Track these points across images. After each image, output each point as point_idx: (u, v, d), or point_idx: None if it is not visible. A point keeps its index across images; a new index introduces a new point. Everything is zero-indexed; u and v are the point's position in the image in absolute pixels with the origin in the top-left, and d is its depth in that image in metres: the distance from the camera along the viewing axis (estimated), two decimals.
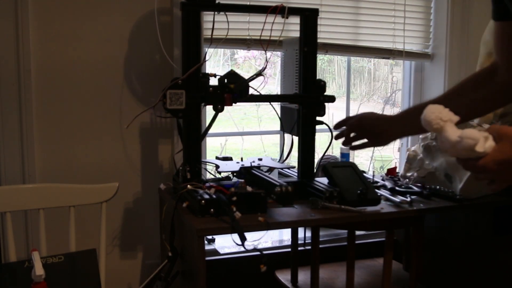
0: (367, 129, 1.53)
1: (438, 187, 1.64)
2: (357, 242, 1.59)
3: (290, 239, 1.89)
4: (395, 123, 1.49)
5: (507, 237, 1.69)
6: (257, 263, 1.25)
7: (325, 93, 1.68)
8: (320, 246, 1.62)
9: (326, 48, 2.14)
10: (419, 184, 1.70)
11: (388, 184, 1.70)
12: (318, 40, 1.71)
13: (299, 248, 1.87)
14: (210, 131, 1.75)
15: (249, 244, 1.28)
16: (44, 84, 1.77)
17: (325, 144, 1.80)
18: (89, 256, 1.52)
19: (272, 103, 1.76)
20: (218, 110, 1.58)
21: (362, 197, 1.46)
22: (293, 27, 1.88)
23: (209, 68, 2.81)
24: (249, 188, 1.42)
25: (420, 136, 1.82)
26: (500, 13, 1.24)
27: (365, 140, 1.57)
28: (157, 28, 1.78)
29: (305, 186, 1.60)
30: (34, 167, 1.76)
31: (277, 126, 1.90)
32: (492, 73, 1.33)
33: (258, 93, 1.66)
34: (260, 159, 1.77)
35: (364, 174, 1.70)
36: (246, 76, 1.60)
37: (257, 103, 3.93)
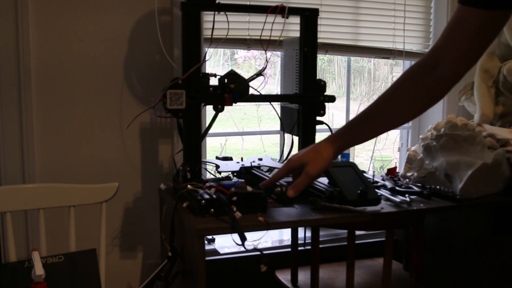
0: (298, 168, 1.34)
1: (438, 187, 1.64)
2: (357, 242, 1.59)
3: (290, 239, 1.89)
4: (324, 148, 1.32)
5: (507, 237, 1.69)
6: (257, 263, 1.25)
7: (325, 93, 1.69)
8: (320, 246, 1.62)
9: (326, 48, 2.14)
10: (419, 184, 1.70)
11: (388, 184, 1.70)
12: (318, 40, 1.71)
13: (299, 248, 1.87)
14: (210, 131, 1.75)
15: (249, 244, 1.28)
16: (44, 84, 1.77)
17: None
18: (89, 256, 1.52)
19: (272, 103, 1.76)
20: (218, 110, 1.58)
21: (362, 197, 1.46)
22: (293, 27, 1.88)
23: (209, 68, 2.82)
24: (249, 188, 1.42)
25: (420, 136, 1.82)
26: None
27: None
28: (157, 28, 1.78)
29: None
30: (34, 167, 1.76)
31: (277, 126, 1.90)
32: (433, 65, 1.16)
33: (258, 93, 1.66)
34: (260, 159, 1.77)
35: (364, 174, 1.70)
36: (246, 76, 1.60)
37: (257, 103, 3.93)
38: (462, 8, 1.09)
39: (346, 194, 1.46)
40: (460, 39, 1.11)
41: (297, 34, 1.68)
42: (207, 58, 1.70)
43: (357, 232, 1.68)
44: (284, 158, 1.84)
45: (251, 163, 1.71)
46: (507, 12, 1.06)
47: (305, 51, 1.65)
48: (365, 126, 1.29)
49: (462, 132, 1.68)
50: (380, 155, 3.22)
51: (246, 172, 1.65)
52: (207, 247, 1.84)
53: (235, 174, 1.69)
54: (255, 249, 1.34)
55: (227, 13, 1.62)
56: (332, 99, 1.69)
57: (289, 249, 1.90)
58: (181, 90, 1.52)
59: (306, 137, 1.68)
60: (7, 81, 1.70)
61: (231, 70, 1.58)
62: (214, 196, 1.38)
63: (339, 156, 2.00)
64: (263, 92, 1.68)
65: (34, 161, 1.76)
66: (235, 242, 1.28)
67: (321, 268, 1.70)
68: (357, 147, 2.04)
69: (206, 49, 1.77)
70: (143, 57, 1.87)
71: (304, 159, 1.31)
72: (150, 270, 1.85)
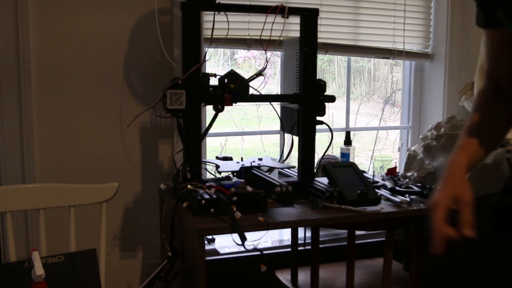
0: None
1: None
2: (357, 242, 1.59)
3: (290, 239, 1.89)
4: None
5: (507, 237, 1.69)
6: (257, 263, 1.25)
7: (325, 93, 1.69)
8: (320, 246, 1.62)
9: (326, 48, 2.14)
10: (419, 184, 1.70)
11: (388, 184, 1.70)
12: (318, 40, 1.71)
13: (299, 248, 1.87)
14: (210, 131, 1.75)
15: (249, 244, 1.28)
16: (44, 84, 1.77)
17: (325, 144, 1.80)
18: (89, 256, 1.52)
19: (272, 103, 1.76)
20: (218, 110, 1.58)
21: (362, 197, 1.46)
22: (293, 27, 1.88)
23: (209, 68, 2.81)
24: (249, 188, 1.42)
25: (420, 136, 1.82)
26: (486, 21, 1.12)
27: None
28: (157, 28, 1.78)
29: (305, 186, 1.60)
30: (34, 167, 1.76)
31: (277, 126, 1.90)
32: (498, 90, 1.15)
33: (258, 93, 1.66)
34: (260, 159, 1.77)
35: (364, 174, 1.70)
36: (246, 76, 1.60)
37: (257, 103, 3.93)
38: (485, 31, 1.14)
39: (346, 194, 1.46)
40: (502, 58, 1.12)
41: (297, 34, 1.67)
42: (207, 58, 1.70)
43: (357, 232, 1.69)
44: (285, 158, 1.84)
45: (251, 163, 1.71)
46: None
47: (305, 51, 1.65)
48: (478, 151, 1.18)
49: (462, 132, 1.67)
50: (380, 155, 3.22)
51: (246, 172, 1.65)
52: (207, 247, 1.84)
53: (235, 174, 1.69)
54: (255, 249, 1.34)
55: (227, 13, 1.62)
56: (332, 99, 1.69)
57: (289, 249, 1.90)
58: (181, 90, 1.52)
59: (306, 137, 1.68)
60: (7, 81, 1.70)
61: (231, 70, 1.58)
62: (214, 196, 1.38)
63: (339, 156, 2.01)
64: (263, 92, 1.68)
65: (34, 161, 1.76)
66: (235, 242, 1.28)
67: (321, 268, 1.70)
68: (357, 147, 2.04)
69: (206, 49, 1.77)
70: (143, 57, 1.87)
71: (452, 193, 1.16)
72: (150, 270, 1.85)
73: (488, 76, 1.18)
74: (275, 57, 2.62)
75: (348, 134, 1.96)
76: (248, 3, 1.97)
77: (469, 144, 1.19)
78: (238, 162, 1.73)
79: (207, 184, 1.49)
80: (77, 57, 1.79)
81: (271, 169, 1.73)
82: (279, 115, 1.82)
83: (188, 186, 1.47)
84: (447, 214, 1.14)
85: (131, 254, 1.95)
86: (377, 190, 1.57)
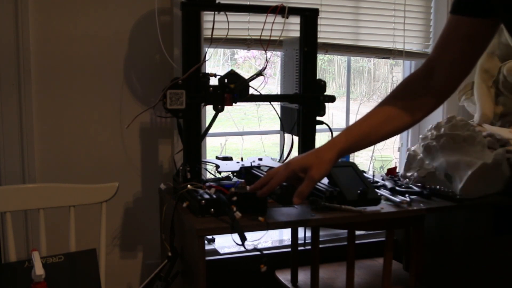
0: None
1: (438, 187, 1.64)
2: (357, 242, 1.59)
3: (290, 239, 1.89)
4: (327, 150, 1.27)
5: (508, 237, 1.69)
6: (257, 263, 1.25)
7: (325, 93, 1.69)
8: (320, 246, 1.62)
9: (326, 48, 2.14)
10: (419, 184, 1.70)
11: (388, 184, 1.70)
12: (318, 40, 1.71)
13: (299, 248, 1.87)
14: (210, 131, 1.75)
15: (249, 244, 1.28)
16: (44, 84, 1.77)
17: None
18: (89, 256, 1.52)
19: (272, 103, 1.76)
20: (218, 110, 1.58)
21: (362, 197, 1.46)
22: (293, 27, 1.88)
23: (209, 68, 2.81)
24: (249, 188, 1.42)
25: (420, 136, 1.82)
26: (467, 7, 1.10)
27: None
28: (157, 28, 1.78)
29: None
30: (34, 167, 1.76)
31: (277, 126, 1.90)
32: (428, 76, 1.21)
33: (258, 93, 1.66)
34: (260, 159, 1.77)
35: (364, 174, 1.70)
36: (246, 76, 1.60)
37: (257, 103, 3.93)
38: (453, 18, 1.13)
39: (346, 194, 1.46)
40: (452, 48, 1.15)
41: (297, 34, 1.68)
42: (207, 58, 1.70)
43: (357, 232, 1.68)
44: (284, 158, 1.84)
45: (251, 163, 1.71)
46: (496, 20, 1.08)
47: (305, 51, 1.65)
48: (362, 132, 1.26)
49: (462, 132, 1.68)
50: (380, 155, 3.22)
51: (246, 172, 1.65)
52: (207, 247, 1.83)
53: (235, 174, 1.69)
54: (255, 249, 1.34)
55: (227, 13, 1.62)
56: (332, 99, 1.69)
57: (289, 249, 1.90)
58: (181, 90, 1.52)
59: (306, 137, 1.68)
60: (7, 81, 1.70)
61: (231, 70, 1.58)
62: (214, 196, 1.38)
63: None
64: (263, 92, 1.68)
65: (34, 161, 1.76)
66: (235, 242, 1.28)
67: (321, 268, 1.70)
68: None
69: (206, 49, 1.77)
70: (143, 57, 1.87)
71: (305, 163, 1.25)
72: (150, 270, 1.85)
73: (429, 61, 1.22)
74: (275, 57, 2.63)
75: None
76: (248, 3, 1.97)
77: (357, 130, 1.26)
78: (238, 162, 1.73)
79: (207, 184, 1.49)
80: (77, 57, 1.80)
81: (271, 169, 1.72)
82: (279, 115, 1.82)
83: (188, 186, 1.47)
84: (289, 176, 1.25)
85: (131, 254, 1.95)
86: (377, 190, 1.56)
